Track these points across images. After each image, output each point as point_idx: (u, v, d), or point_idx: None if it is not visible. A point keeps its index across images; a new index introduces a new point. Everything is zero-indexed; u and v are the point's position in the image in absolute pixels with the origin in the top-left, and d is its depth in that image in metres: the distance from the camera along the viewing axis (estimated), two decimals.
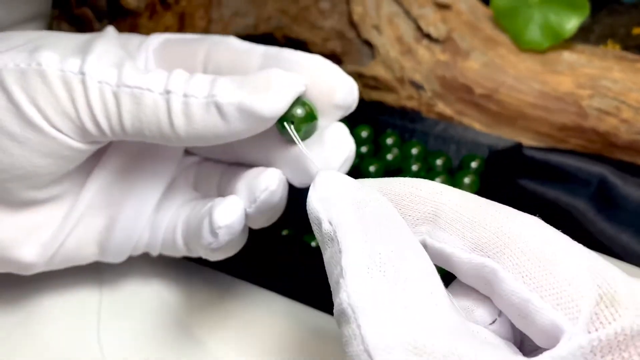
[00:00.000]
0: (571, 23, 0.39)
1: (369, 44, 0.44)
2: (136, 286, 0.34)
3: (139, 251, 0.30)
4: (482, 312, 0.20)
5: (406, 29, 0.43)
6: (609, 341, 0.16)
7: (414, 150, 0.39)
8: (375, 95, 0.43)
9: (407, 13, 0.43)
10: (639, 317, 0.17)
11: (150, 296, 0.33)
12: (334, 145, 0.25)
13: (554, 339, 0.17)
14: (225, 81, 0.24)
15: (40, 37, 0.27)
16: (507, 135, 0.40)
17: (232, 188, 0.27)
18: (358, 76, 0.43)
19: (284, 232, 0.34)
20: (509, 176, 0.38)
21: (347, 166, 0.26)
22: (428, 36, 0.42)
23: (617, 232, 0.36)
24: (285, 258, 0.31)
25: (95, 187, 0.28)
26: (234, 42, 0.28)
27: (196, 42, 0.28)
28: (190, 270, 0.35)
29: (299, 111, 0.25)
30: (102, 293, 0.33)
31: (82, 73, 0.24)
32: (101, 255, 0.30)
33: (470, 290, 0.21)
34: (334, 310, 0.18)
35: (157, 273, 0.34)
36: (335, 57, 0.46)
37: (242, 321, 0.32)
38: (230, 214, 0.25)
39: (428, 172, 0.38)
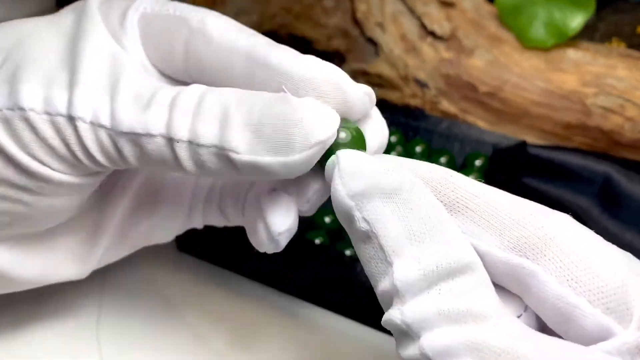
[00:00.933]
0: (576, 21, 0.39)
1: (372, 41, 0.44)
2: (137, 283, 0.34)
3: None
4: (509, 308, 0.20)
5: (410, 27, 0.42)
6: None
7: (418, 149, 0.39)
8: (379, 93, 0.43)
9: (412, 11, 0.43)
10: None
11: (151, 294, 0.33)
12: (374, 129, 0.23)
13: (598, 339, 0.17)
14: (237, 129, 0.20)
15: (18, 44, 0.23)
16: (511, 134, 0.40)
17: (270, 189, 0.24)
18: (362, 74, 0.43)
19: None
20: (513, 174, 0.38)
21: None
22: (432, 34, 0.42)
23: (621, 231, 0.36)
24: (288, 255, 0.31)
25: (120, 209, 0.27)
26: (213, 32, 0.23)
27: (174, 24, 0.24)
28: (192, 266, 0.35)
29: (343, 135, 0.21)
30: (104, 287, 0.33)
31: (71, 117, 0.21)
32: None
33: (497, 286, 0.20)
34: (385, 318, 0.18)
35: (158, 269, 0.34)
36: (339, 55, 0.45)
37: (244, 318, 0.32)
38: (288, 218, 0.23)
39: None
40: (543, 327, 0.19)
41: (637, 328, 0.17)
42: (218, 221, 0.28)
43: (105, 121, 0.21)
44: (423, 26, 0.42)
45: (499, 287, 0.19)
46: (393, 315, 0.18)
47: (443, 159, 0.38)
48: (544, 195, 0.38)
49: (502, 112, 0.40)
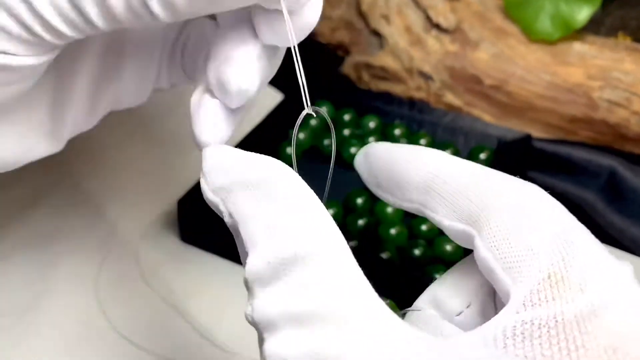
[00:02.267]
0: (582, 14, 0.39)
1: (377, 34, 0.43)
2: (141, 274, 0.34)
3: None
4: (453, 304, 0.20)
5: (415, 19, 0.42)
6: (532, 326, 0.16)
7: (423, 141, 0.39)
8: (384, 86, 0.43)
9: (417, 3, 0.42)
10: (569, 304, 0.16)
11: (154, 285, 0.33)
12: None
13: None
14: None
15: None
16: (516, 127, 0.40)
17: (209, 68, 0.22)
18: (366, 66, 0.43)
19: None
20: (517, 168, 0.38)
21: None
22: (437, 26, 0.42)
23: (627, 225, 0.35)
24: None
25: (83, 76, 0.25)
26: None
27: None
28: (196, 258, 0.35)
29: None
30: (105, 278, 0.33)
31: None
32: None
33: (453, 283, 0.21)
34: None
35: (162, 260, 0.34)
36: (343, 47, 0.45)
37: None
38: (213, 125, 0.21)
39: None
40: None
41: (522, 299, 0.16)
42: (182, 80, 0.27)
43: None
44: (428, 18, 0.42)
45: (455, 285, 0.21)
46: (246, 312, 0.17)
47: (447, 152, 0.38)
48: (548, 189, 0.38)
49: (507, 105, 0.40)
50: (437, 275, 0.31)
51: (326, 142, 0.38)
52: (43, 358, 0.30)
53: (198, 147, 0.21)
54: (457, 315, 0.20)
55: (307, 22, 0.21)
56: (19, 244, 0.35)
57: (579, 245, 0.18)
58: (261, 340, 0.16)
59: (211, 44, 0.22)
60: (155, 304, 0.32)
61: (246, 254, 0.17)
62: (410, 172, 0.22)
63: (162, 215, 0.37)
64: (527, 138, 0.38)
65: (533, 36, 0.40)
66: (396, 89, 0.43)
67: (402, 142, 0.39)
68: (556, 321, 0.16)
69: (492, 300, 0.20)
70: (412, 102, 0.41)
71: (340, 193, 0.37)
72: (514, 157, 0.38)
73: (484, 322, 0.17)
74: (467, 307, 0.20)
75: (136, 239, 0.36)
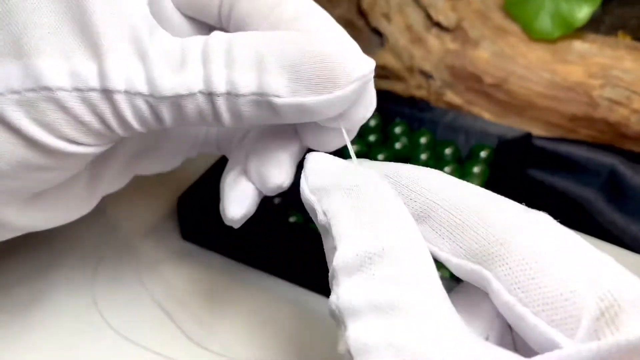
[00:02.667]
0: (582, 12, 0.39)
1: (378, 32, 0.43)
2: (141, 271, 0.34)
3: None
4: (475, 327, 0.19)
5: (416, 18, 0.42)
6: (609, 353, 0.15)
7: (423, 140, 0.39)
8: (384, 84, 0.43)
9: (417, 1, 0.42)
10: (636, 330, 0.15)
11: (155, 282, 0.33)
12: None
13: (550, 350, 0.16)
14: (274, 72, 0.20)
15: (8, 9, 0.20)
16: (516, 125, 0.40)
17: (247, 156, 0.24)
18: None
19: (292, 219, 0.34)
20: (518, 166, 0.38)
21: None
22: (438, 25, 0.42)
23: (627, 223, 0.35)
24: (293, 245, 0.31)
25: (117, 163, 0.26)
26: None
27: None
28: (196, 255, 0.35)
29: None
30: (105, 275, 0.33)
31: (106, 90, 0.20)
32: None
33: (466, 315, 0.19)
34: (328, 308, 0.18)
35: (162, 258, 0.34)
36: None
37: (249, 307, 0.32)
38: (242, 206, 0.23)
39: (437, 162, 0.38)
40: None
41: (582, 341, 0.16)
42: (212, 151, 0.29)
43: (142, 88, 0.20)
44: (429, 17, 0.42)
45: (468, 304, 0.19)
46: (331, 300, 0.17)
47: (448, 150, 0.38)
48: (549, 187, 0.38)
49: (508, 104, 0.40)
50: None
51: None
52: (40, 356, 0.30)
53: (224, 219, 0.24)
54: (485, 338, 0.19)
55: (353, 125, 0.22)
56: (17, 242, 0.35)
57: (612, 273, 0.17)
58: (343, 328, 0.17)
59: (252, 135, 0.24)
60: (153, 302, 0.32)
61: (333, 250, 0.18)
62: (404, 197, 0.20)
63: (162, 213, 0.37)
64: (528, 136, 0.38)
65: (533, 35, 0.40)
66: (397, 87, 0.43)
67: (403, 140, 0.39)
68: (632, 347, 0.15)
69: (509, 331, 0.19)
70: (412, 101, 0.41)
71: None
72: (514, 155, 0.38)
73: None
74: (486, 339, 0.19)
75: (136, 236, 0.36)
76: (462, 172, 0.37)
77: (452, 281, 0.26)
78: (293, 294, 0.32)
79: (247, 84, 0.20)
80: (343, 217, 0.18)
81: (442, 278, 0.18)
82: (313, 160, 0.20)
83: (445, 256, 0.19)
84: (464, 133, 0.39)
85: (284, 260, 0.32)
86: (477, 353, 0.15)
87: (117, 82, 0.20)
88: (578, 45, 0.39)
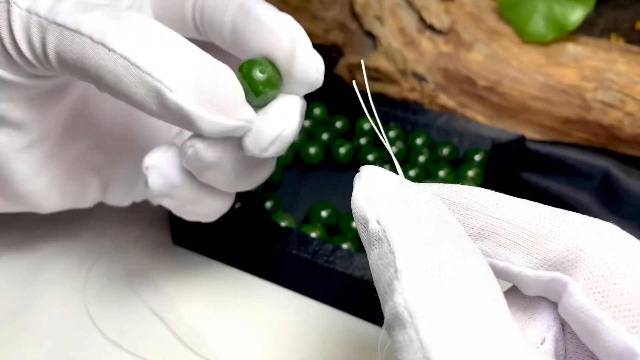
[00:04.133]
0: (576, 15, 0.39)
1: (371, 35, 0.43)
2: (132, 276, 0.33)
3: None
4: (529, 334, 0.19)
5: (409, 20, 0.42)
6: None
7: (419, 140, 0.39)
8: (377, 87, 0.43)
9: (410, 4, 0.42)
10: None
11: (146, 286, 0.33)
12: (272, 118, 0.23)
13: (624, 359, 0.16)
14: (176, 76, 0.21)
15: None
16: (510, 128, 0.40)
17: None
18: (359, 68, 0.43)
19: (283, 224, 0.33)
20: (511, 169, 0.38)
21: (278, 147, 0.24)
22: (431, 27, 0.41)
23: (621, 226, 0.35)
24: (285, 249, 0.31)
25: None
26: None
27: None
28: (187, 259, 0.34)
29: (259, 75, 0.23)
30: (96, 280, 0.33)
31: (8, 2, 0.22)
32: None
33: (518, 309, 0.19)
34: (386, 315, 0.17)
35: (154, 262, 0.34)
36: (336, 49, 0.45)
37: (240, 311, 0.32)
38: (159, 156, 0.25)
39: (435, 163, 0.38)
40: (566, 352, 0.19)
41: None
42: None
43: (42, 9, 0.22)
44: (422, 19, 0.42)
45: (520, 310, 0.19)
46: (396, 301, 0.16)
47: (445, 150, 0.38)
48: (542, 190, 0.38)
49: (501, 107, 0.40)
50: None
51: (341, 150, 0.39)
52: (36, 355, 0.29)
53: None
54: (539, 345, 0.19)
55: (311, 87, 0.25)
56: (7, 246, 0.35)
57: None
58: (412, 330, 0.15)
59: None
60: (144, 308, 0.32)
61: (387, 257, 0.17)
62: (464, 217, 0.20)
63: (153, 217, 0.36)
64: (521, 139, 0.38)
65: (527, 37, 0.40)
66: (390, 90, 0.42)
67: (398, 144, 0.39)
68: None
69: (563, 338, 0.19)
70: (405, 104, 0.41)
71: (333, 194, 0.37)
72: (508, 158, 0.38)
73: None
74: (541, 343, 0.19)
75: (127, 241, 0.35)
76: (457, 175, 0.37)
77: None
78: (283, 298, 0.32)
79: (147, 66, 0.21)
80: (402, 224, 0.18)
81: None
82: (369, 171, 0.20)
83: (518, 269, 0.18)
84: (458, 136, 0.39)
85: (275, 264, 0.32)
86: None
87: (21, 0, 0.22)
88: (571, 48, 0.39)
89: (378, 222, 0.18)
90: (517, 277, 0.19)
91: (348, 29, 0.44)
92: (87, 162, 0.29)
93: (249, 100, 0.23)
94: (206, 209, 0.27)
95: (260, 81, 0.23)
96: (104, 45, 0.21)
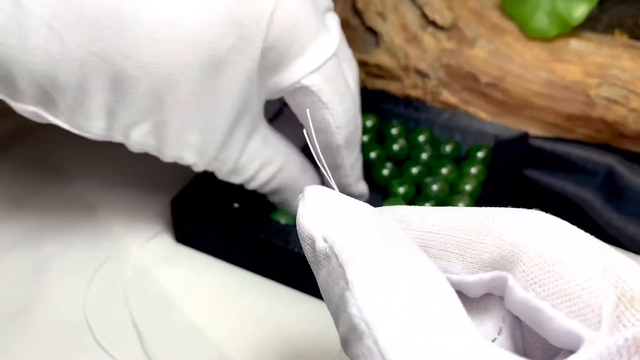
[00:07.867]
0: (579, 10, 0.38)
1: (373, 31, 0.43)
2: (135, 274, 0.33)
3: None
4: (484, 330, 0.19)
5: (411, 17, 0.42)
6: (635, 340, 0.15)
7: (422, 137, 0.39)
8: (379, 84, 0.43)
9: (413, 0, 0.42)
10: None
11: (148, 284, 0.33)
12: None
13: (573, 344, 0.16)
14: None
15: None
16: (513, 125, 0.40)
17: None
18: (362, 64, 0.43)
19: (283, 221, 0.33)
20: (515, 166, 0.37)
21: None
22: (433, 24, 0.41)
23: (624, 223, 0.35)
24: (286, 247, 0.31)
25: None
26: None
27: None
28: (190, 258, 0.34)
29: None
30: (99, 278, 0.33)
31: None
32: None
33: (471, 304, 0.19)
34: (340, 330, 0.16)
35: (156, 260, 0.34)
36: None
37: (243, 309, 0.32)
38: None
39: (438, 160, 0.37)
40: (524, 343, 0.19)
41: (609, 330, 0.15)
42: None
43: None
44: (424, 16, 0.42)
45: (472, 309, 0.19)
46: (351, 312, 0.15)
47: (448, 147, 0.38)
48: (546, 187, 0.38)
49: (504, 103, 0.40)
50: None
51: None
52: (32, 358, 0.29)
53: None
54: (493, 340, 0.19)
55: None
56: (10, 244, 0.35)
57: (617, 261, 0.17)
58: (369, 340, 0.15)
59: None
60: (149, 302, 0.32)
61: (336, 272, 0.17)
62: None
63: (156, 215, 0.36)
64: (524, 136, 0.38)
65: (530, 33, 0.40)
66: (392, 87, 0.42)
67: (400, 141, 0.38)
68: None
69: (519, 323, 0.19)
70: (408, 101, 0.41)
71: None
72: (511, 155, 0.37)
73: (514, 346, 0.18)
74: (499, 334, 0.19)
75: (129, 239, 0.35)
76: (459, 172, 0.36)
77: None
78: (288, 296, 0.32)
79: None
80: (349, 238, 0.17)
81: None
82: (312, 191, 0.20)
83: (458, 277, 0.19)
84: (461, 133, 0.39)
85: (276, 263, 0.32)
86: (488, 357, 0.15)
87: None
88: (575, 44, 0.39)
89: (325, 240, 0.18)
90: (459, 285, 0.19)
91: (350, 26, 0.44)
92: None
93: None
94: None
95: None
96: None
